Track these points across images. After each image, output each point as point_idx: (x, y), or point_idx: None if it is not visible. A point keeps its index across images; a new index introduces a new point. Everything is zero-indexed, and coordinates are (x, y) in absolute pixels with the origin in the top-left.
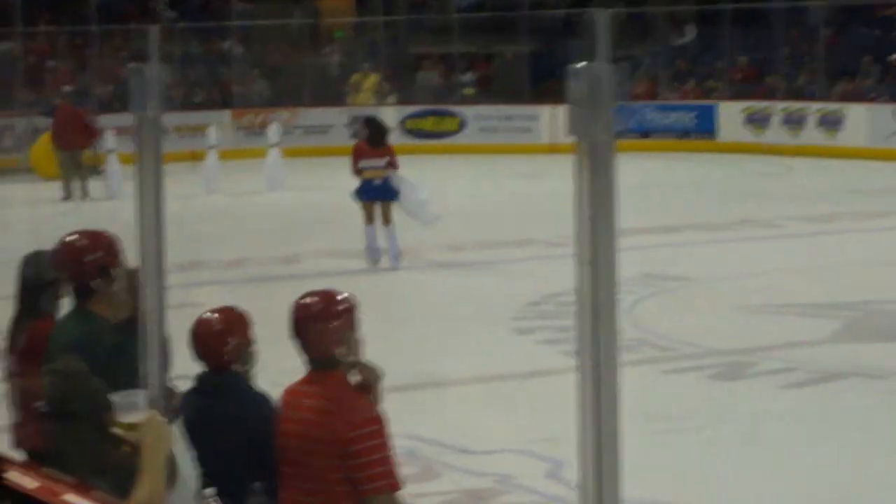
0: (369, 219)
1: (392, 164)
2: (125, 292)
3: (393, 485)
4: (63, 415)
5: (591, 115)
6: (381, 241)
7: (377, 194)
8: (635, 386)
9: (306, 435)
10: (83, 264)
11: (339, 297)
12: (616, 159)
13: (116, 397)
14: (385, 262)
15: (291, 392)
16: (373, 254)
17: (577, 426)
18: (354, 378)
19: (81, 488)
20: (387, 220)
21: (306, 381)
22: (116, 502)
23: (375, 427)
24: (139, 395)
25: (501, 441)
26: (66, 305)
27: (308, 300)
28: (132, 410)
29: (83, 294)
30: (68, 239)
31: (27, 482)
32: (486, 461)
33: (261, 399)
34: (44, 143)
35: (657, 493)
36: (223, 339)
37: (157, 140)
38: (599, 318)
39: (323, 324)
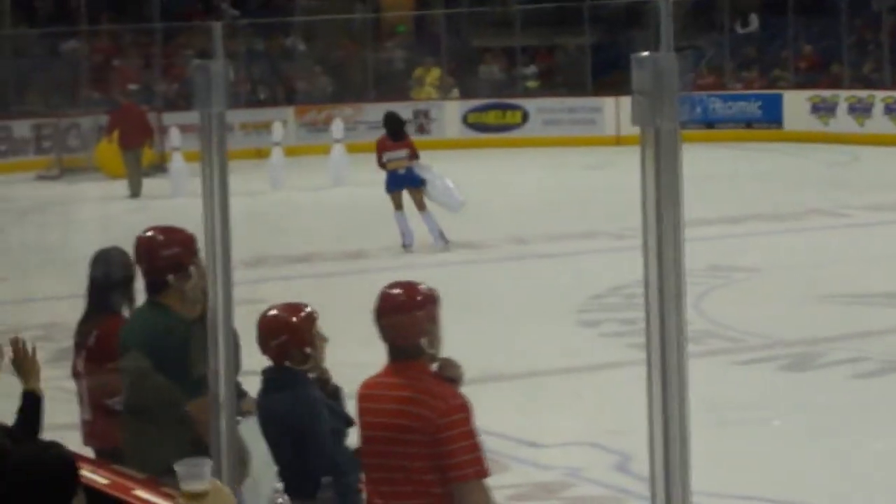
0: (398, 206)
1: (413, 155)
2: (199, 289)
3: (480, 472)
4: (132, 411)
5: (655, 104)
6: (415, 226)
7: (403, 183)
8: (703, 378)
9: (393, 425)
10: (159, 259)
11: (423, 289)
12: (681, 148)
13: (180, 467)
14: (430, 248)
15: (372, 385)
16: (406, 238)
17: (645, 418)
18: (435, 373)
19: (151, 484)
20: (420, 206)
21: (388, 372)
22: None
23: (463, 414)
24: (205, 465)
25: (569, 434)
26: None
27: (394, 290)
28: (197, 479)
29: (157, 289)
30: (146, 234)
31: (98, 479)
32: (555, 454)
33: (315, 396)
34: (111, 141)
35: (727, 485)
36: (276, 336)
37: (222, 136)
38: (667, 308)
39: (408, 313)
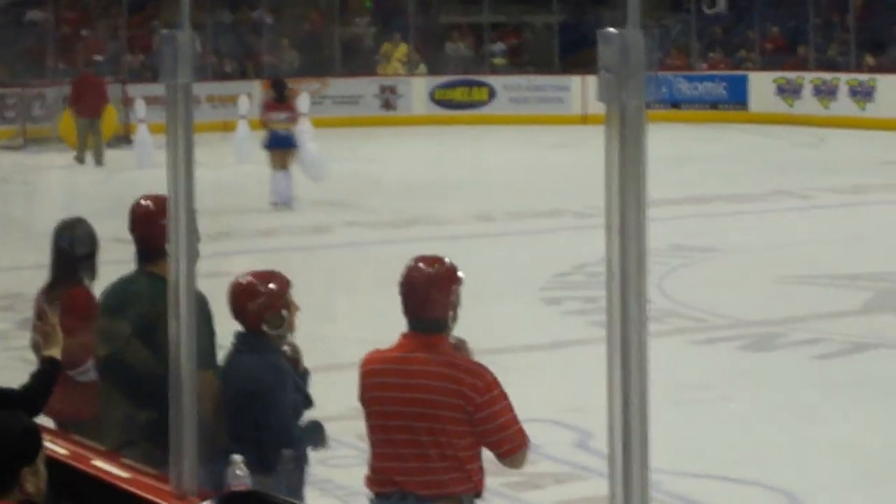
0: (276, 165)
1: (293, 119)
2: None
3: (525, 439)
4: (110, 379)
5: (621, 81)
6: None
7: (280, 143)
8: (665, 357)
9: (421, 401)
10: (157, 228)
11: (451, 264)
12: (646, 126)
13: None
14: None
15: (391, 359)
16: (277, 197)
17: (605, 396)
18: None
19: (111, 455)
20: (284, 166)
21: (408, 346)
22: (146, 469)
23: (499, 389)
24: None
25: (529, 411)
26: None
27: (426, 263)
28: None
29: (151, 258)
30: (142, 202)
31: (58, 449)
32: None
33: (284, 366)
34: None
35: (685, 463)
36: (254, 299)
37: (188, 108)
38: (628, 286)
39: (442, 287)
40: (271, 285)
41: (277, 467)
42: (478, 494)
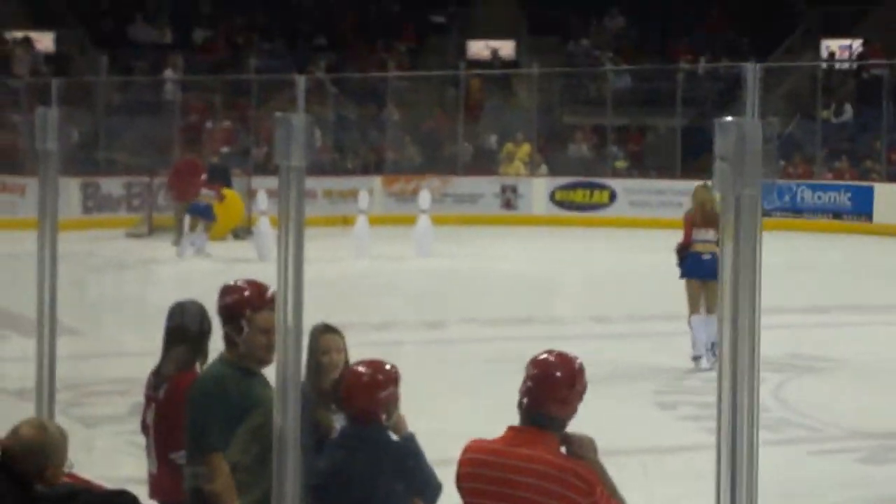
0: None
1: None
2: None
3: None
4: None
5: (736, 170)
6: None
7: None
8: (777, 465)
9: (525, 499)
10: (237, 311)
11: (582, 366)
12: (761, 217)
13: None
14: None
15: (492, 450)
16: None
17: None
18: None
19: None
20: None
21: (515, 440)
22: None
23: (597, 489)
24: None
25: None
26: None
27: (556, 359)
28: None
29: (235, 343)
30: (233, 285)
31: None
32: None
33: (404, 449)
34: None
35: None
36: (388, 386)
37: (300, 191)
38: (739, 381)
39: (568, 385)
40: (393, 373)
41: None
42: None
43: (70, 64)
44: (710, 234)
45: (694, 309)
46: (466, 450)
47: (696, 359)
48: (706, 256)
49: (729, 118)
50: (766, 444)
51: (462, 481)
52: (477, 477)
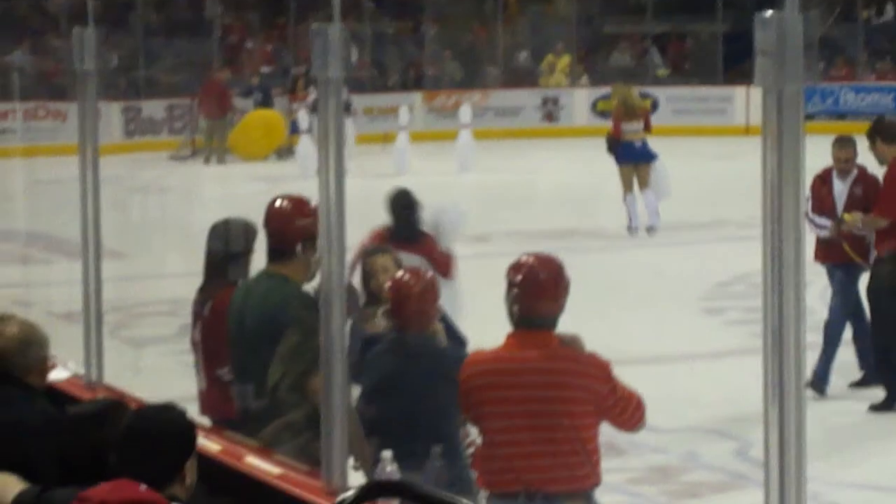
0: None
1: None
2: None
3: (642, 402)
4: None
5: (778, 65)
6: None
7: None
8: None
9: (551, 398)
10: (291, 227)
11: (561, 263)
12: (803, 113)
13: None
14: None
15: (500, 358)
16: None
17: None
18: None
19: (263, 452)
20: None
21: (518, 344)
22: (297, 465)
23: (612, 372)
24: None
25: (689, 420)
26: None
27: (540, 261)
28: None
29: (280, 258)
30: (278, 201)
31: (211, 445)
32: (674, 439)
33: (454, 359)
34: (244, 124)
35: (839, 472)
36: (421, 300)
37: (339, 103)
38: (785, 283)
39: (555, 283)
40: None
41: (427, 463)
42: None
43: None
44: (634, 125)
45: (628, 189)
46: (469, 364)
47: (631, 229)
48: (637, 144)
49: (770, 12)
50: (813, 346)
51: (474, 394)
52: (491, 387)
